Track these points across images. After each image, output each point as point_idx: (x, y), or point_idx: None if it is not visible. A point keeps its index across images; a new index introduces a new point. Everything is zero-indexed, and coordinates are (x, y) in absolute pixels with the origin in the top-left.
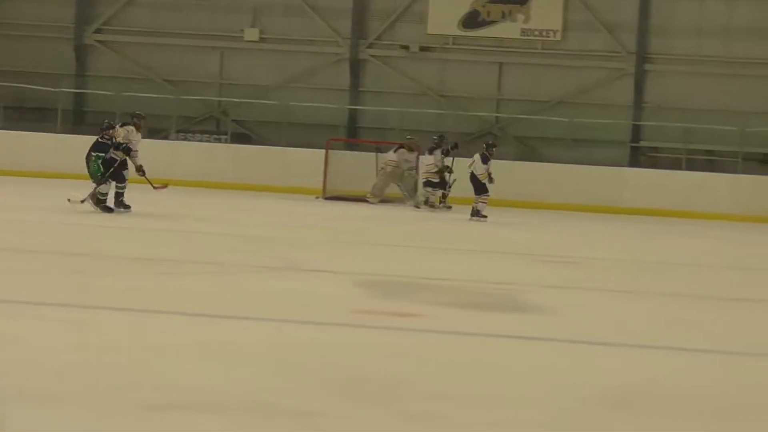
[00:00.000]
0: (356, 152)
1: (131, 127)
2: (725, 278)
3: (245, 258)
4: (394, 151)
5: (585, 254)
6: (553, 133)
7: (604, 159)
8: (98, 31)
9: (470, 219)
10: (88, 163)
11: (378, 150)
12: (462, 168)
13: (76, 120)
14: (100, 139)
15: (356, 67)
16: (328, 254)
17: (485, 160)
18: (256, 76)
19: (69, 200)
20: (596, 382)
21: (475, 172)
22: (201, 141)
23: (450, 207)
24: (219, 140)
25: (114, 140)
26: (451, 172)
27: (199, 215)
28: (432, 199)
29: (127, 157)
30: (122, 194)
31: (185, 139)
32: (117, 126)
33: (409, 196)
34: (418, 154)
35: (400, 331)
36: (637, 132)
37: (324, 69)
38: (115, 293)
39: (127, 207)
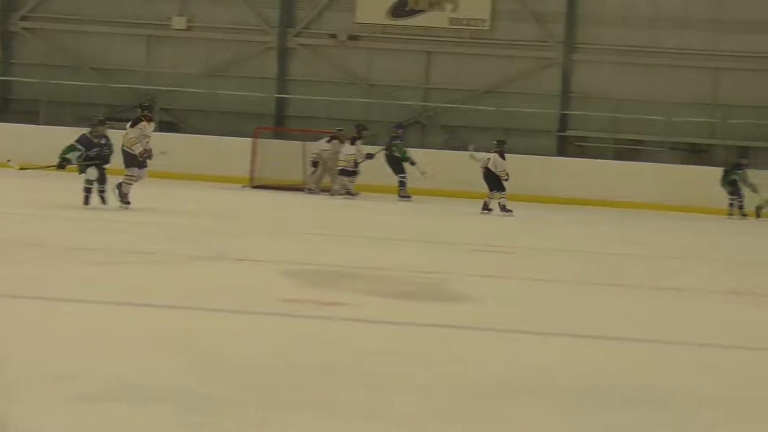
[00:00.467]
0: (284, 141)
1: (143, 123)
2: (648, 267)
3: (172, 247)
4: (327, 141)
5: (513, 243)
6: (480, 122)
7: (531, 148)
8: (24, 18)
9: (482, 212)
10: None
11: (304, 141)
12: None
13: (2, 108)
14: (88, 135)
15: (284, 55)
16: (255, 243)
17: (503, 156)
18: (184, 64)
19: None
20: (512, 370)
21: (494, 170)
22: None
23: (409, 197)
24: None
25: (102, 138)
26: (371, 157)
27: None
28: (350, 186)
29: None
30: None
31: (112, 127)
32: (127, 126)
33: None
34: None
35: (327, 319)
36: (564, 121)
37: (252, 57)
38: (36, 281)
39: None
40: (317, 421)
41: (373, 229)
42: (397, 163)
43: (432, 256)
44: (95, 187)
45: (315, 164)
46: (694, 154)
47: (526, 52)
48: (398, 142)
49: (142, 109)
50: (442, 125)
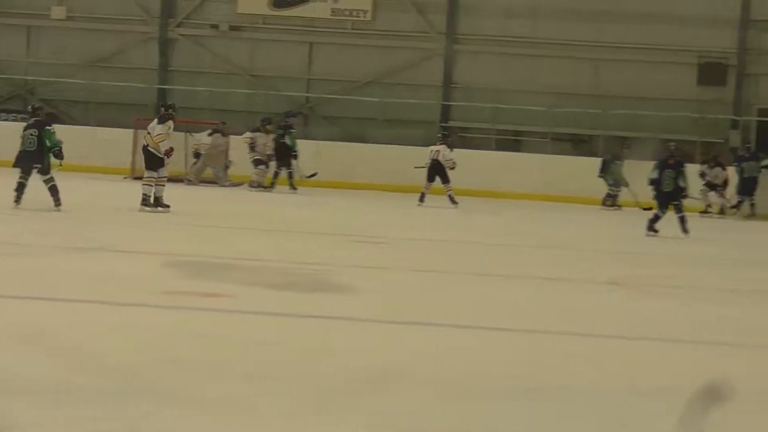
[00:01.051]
0: None
1: (170, 122)
2: (531, 257)
3: (53, 239)
4: (209, 135)
5: (397, 234)
6: (364, 113)
7: (415, 138)
8: None
9: (419, 204)
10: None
11: (188, 131)
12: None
13: None
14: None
15: (165, 46)
16: (137, 235)
17: (451, 147)
18: (64, 54)
19: None
20: (391, 360)
21: (441, 160)
22: (6, 120)
23: (296, 189)
24: (25, 119)
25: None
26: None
27: (4, 196)
28: (262, 179)
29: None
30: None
31: None
32: (153, 124)
33: (221, 177)
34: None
35: (209, 311)
36: (447, 112)
37: (133, 48)
38: None
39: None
40: (197, 415)
41: (256, 220)
42: (285, 154)
43: (312, 247)
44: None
45: (197, 156)
46: (577, 144)
47: (409, 43)
48: (292, 131)
49: (166, 108)
50: (324, 116)
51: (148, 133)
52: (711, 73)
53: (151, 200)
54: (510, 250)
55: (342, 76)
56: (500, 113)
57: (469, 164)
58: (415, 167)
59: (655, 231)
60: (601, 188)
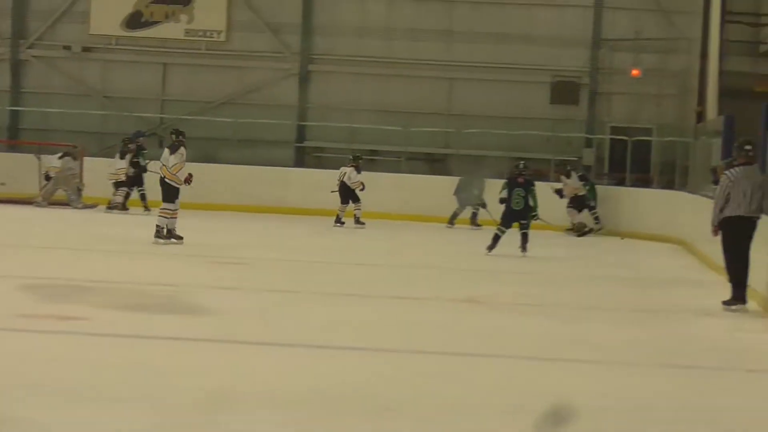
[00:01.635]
0: (17, 154)
1: (183, 149)
2: (388, 276)
3: None
4: (59, 158)
5: (253, 255)
6: (219, 133)
7: (270, 159)
8: None
9: (335, 225)
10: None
11: (39, 153)
12: None
13: None
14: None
15: (17, 67)
16: None
17: (359, 170)
18: None
19: None
20: (244, 381)
21: (347, 182)
22: None
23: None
24: None
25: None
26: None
27: None
28: (119, 200)
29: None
30: None
31: None
32: (165, 155)
33: (74, 200)
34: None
35: (63, 334)
36: (302, 132)
37: None
38: None
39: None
40: None
41: (110, 243)
42: (140, 174)
43: (166, 268)
44: None
45: (48, 178)
46: (431, 163)
47: (263, 63)
48: (144, 151)
49: (177, 134)
50: None
51: (163, 165)
52: (564, 91)
53: (164, 232)
54: (368, 269)
55: (197, 97)
56: (355, 133)
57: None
58: (331, 192)
59: (490, 250)
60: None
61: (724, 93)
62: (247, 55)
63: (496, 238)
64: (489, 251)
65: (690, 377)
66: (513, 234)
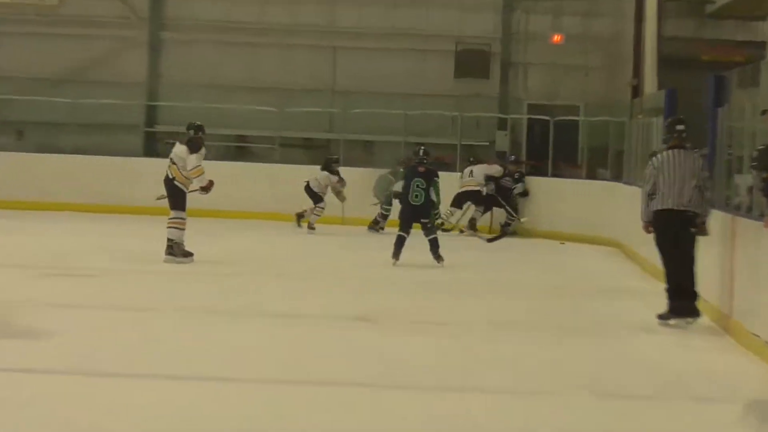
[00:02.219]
0: None
1: (203, 149)
2: (268, 289)
3: None
4: None
5: (98, 264)
6: (55, 117)
7: (115, 148)
8: None
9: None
10: None
11: None
12: None
13: None
14: None
15: None
16: None
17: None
18: None
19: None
20: (85, 414)
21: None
22: None
23: None
24: None
25: None
26: None
27: None
28: None
29: None
30: None
31: None
32: (181, 153)
33: None
34: None
35: None
36: (153, 114)
37: None
38: None
39: None
40: None
41: None
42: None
43: None
44: None
45: None
46: (311, 151)
47: (106, 31)
48: None
49: (197, 130)
50: (5, 121)
51: (173, 163)
52: (471, 63)
53: (181, 248)
54: (243, 281)
55: (27, 73)
56: (220, 115)
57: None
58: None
59: (397, 257)
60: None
61: (664, 63)
62: (85, 20)
63: (400, 243)
64: (396, 259)
65: (622, 407)
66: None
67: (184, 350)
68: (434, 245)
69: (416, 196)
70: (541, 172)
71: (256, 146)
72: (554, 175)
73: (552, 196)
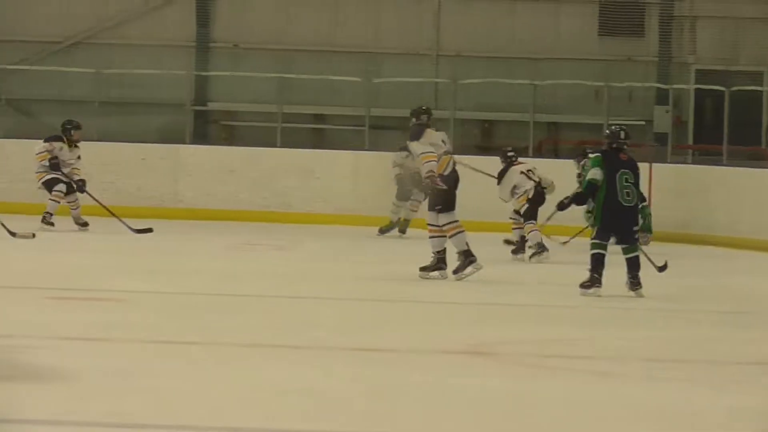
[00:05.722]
0: None
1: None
2: (343, 315)
3: None
4: None
5: (127, 286)
6: (65, 91)
7: (153, 132)
8: None
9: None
10: None
11: None
12: None
13: None
14: None
15: None
16: None
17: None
18: None
19: None
20: None
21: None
22: None
23: None
24: None
25: None
26: None
27: None
28: None
29: None
30: None
31: None
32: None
33: None
34: None
35: None
36: (203, 88)
37: None
38: None
39: None
40: None
41: None
42: None
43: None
44: None
45: None
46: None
47: None
48: None
49: (419, 114)
50: (10, 98)
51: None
52: (620, 17)
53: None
54: (307, 305)
55: (31, 35)
56: (290, 88)
57: (240, 172)
58: None
59: (600, 284)
60: None
61: None
62: None
63: (602, 262)
64: (598, 287)
65: None
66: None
67: (241, 396)
68: (634, 266)
69: (627, 194)
70: (713, 160)
71: (336, 128)
72: (730, 164)
73: (727, 191)
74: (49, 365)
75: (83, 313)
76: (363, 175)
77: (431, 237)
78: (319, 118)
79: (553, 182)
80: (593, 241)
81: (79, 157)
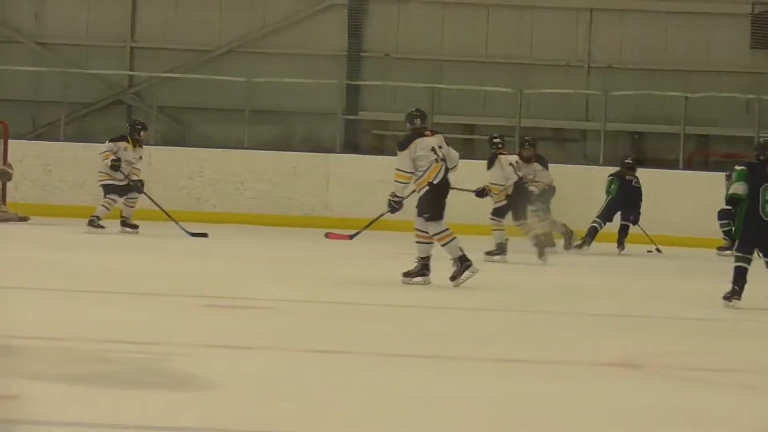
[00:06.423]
0: None
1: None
2: (494, 324)
3: None
4: None
5: (272, 294)
6: (220, 99)
7: (307, 141)
8: None
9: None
10: None
11: None
12: None
13: None
14: None
15: None
16: None
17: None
18: None
19: None
20: None
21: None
22: None
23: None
24: None
25: None
26: None
27: None
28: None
29: None
30: None
31: None
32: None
33: None
34: None
35: None
36: (354, 97)
37: None
38: None
39: None
40: None
41: (32, 273)
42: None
43: (137, 316)
44: None
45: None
46: (563, 144)
47: None
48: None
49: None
50: (162, 106)
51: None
52: None
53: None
54: (456, 316)
55: (181, 43)
56: (441, 98)
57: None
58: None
59: (739, 296)
60: None
61: None
62: None
63: (743, 275)
64: (737, 299)
65: None
66: None
67: (379, 405)
68: None
69: None
70: None
71: (486, 139)
72: None
73: None
74: (193, 373)
75: (231, 320)
76: None
77: (417, 242)
78: (469, 128)
79: (552, 181)
80: (736, 254)
81: (140, 158)
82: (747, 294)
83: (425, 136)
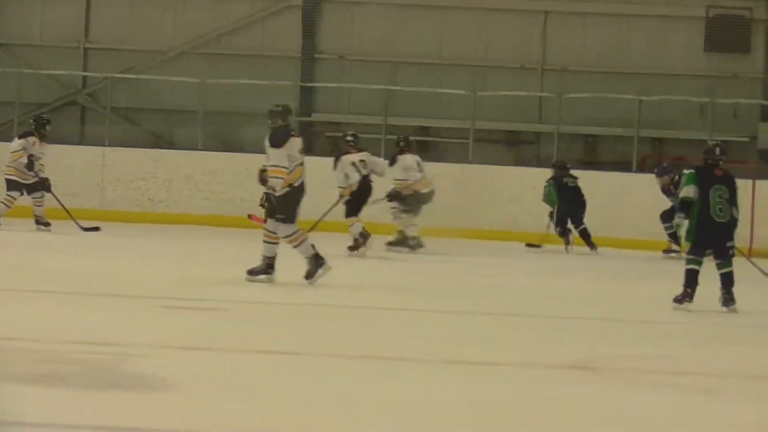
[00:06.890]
0: None
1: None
2: (448, 328)
3: None
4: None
5: (233, 295)
6: (172, 100)
7: (258, 143)
8: None
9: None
10: None
11: None
12: None
13: None
14: None
15: None
16: None
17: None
18: None
19: None
20: None
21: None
22: None
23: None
24: None
25: None
26: None
27: None
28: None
29: None
30: None
31: None
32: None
33: None
34: None
35: None
36: (309, 99)
37: None
38: None
39: None
40: None
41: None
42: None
43: (103, 318)
44: None
45: None
46: (513, 147)
47: None
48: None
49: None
50: (116, 107)
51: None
52: (726, 33)
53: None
54: (410, 317)
55: (136, 44)
56: (396, 100)
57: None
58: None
59: (691, 299)
60: None
61: None
62: None
63: (695, 278)
64: (689, 301)
65: None
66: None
67: (340, 406)
68: (728, 281)
69: (720, 210)
70: None
71: (442, 141)
72: None
73: None
74: (151, 374)
75: (188, 321)
76: (468, 187)
77: (265, 242)
78: (424, 130)
79: (432, 182)
80: (688, 256)
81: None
82: (698, 296)
83: (293, 136)
